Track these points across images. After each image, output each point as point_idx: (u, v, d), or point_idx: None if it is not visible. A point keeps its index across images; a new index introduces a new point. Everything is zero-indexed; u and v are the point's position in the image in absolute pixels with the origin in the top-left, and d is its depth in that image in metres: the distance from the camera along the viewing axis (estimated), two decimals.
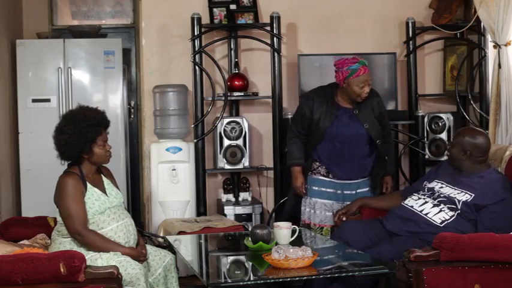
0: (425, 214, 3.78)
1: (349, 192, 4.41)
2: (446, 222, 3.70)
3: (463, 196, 3.73)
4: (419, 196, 3.91)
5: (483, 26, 5.24)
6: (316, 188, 4.44)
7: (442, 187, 3.85)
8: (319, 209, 4.42)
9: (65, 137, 3.49)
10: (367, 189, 4.45)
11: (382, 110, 4.48)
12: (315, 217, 4.42)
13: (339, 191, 4.40)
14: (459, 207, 3.70)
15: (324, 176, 4.43)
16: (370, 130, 4.36)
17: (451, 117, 5.57)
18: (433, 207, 3.78)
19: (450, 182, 3.85)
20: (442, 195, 3.80)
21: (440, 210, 3.75)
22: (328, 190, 4.41)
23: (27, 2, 6.35)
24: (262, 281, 3.08)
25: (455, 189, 3.79)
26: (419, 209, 3.82)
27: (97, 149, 3.55)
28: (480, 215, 3.67)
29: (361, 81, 4.27)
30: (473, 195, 3.71)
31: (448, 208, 3.73)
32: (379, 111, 4.44)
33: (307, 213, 4.47)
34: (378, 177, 4.47)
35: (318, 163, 4.45)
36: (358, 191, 4.42)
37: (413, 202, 3.89)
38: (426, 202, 3.83)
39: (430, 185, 3.92)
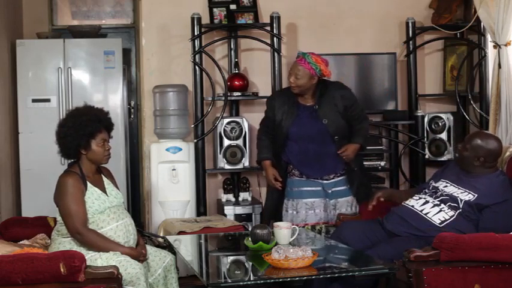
0: (425, 214, 3.77)
1: (328, 190, 4.41)
2: (445, 222, 3.70)
3: (466, 196, 3.73)
4: (421, 196, 3.91)
5: (483, 26, 5.24)
6: (296, 189, 4.43)
7: (446, 186, 3.85)
8: (301, 208, 4.41)
9: (65, 129, 3.52)
10: (344, 187, 4.44)
11: (347, 103, 4.37)
12: (297, 218, 4.39)
13: (319, 188, 4.40)
14: (461, 206, 3.70)
15: (298, 176, 4.43)
16: (329, 125, 4.32)
17: (451, 117, 5.57)
18: (433, 207, 3.78)
19: (455, 181, 3.85)
20: (444, 194, 3.80)
21: (440, 210, 3.75)
22: (307, 189, 4.41)
23: (27, 2, 6.35)
24: (262, 281, 3.08)
25: (459, 188, 3.79)
26: (420, 208, 3.82)
27: (95, 146, 3.55)
28: (482, 215, 3.67)
29: (291, 69, 4.33)
30: (476, 195, 3.71)
31: (449, 207, 3.73)
32: (344, 105, 4.36)
33: (290, 215, 4.43)
34: (353, 172, 4.45)
35: (290, 166, 4.44)
36: (333, 189, 4.41)
37: (414, 202, 3.89)
38: (427, 202, 3.83)
39: (435, 184, 3.93)
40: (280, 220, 4.37)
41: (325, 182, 4.41)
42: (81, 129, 3.51)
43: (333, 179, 4.42)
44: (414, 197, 3.93)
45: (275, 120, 4.41)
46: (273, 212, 4.53)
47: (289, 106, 4.37)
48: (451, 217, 3.71)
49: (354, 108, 4.41)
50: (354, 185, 4.45)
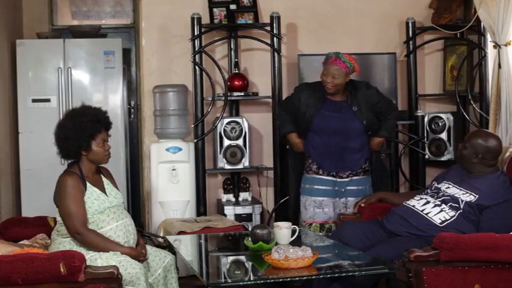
0: (426, 214, 3.78)
1: (339, 189, 4.46)
2: (446, 222, 3.71)
3: (467, 197, 3.73)
4: (422, 196, 3.91)
5: (483, 26, 5.24)
6: (308, 186, 4.51)
7: (448, 187, 3.86)
8: (309, 206, 4.49)
9: (65, 131, 3.51)
10: (357, 187, 4.47)
11: (375, 101, 4.53)
12: (305, 214, 4.47)
13: (329, 187, 4.46)
14: (461, 206, 3.70)
15: (315, 172, 4.49)
16: (363, 121, 4.45)
17: (451, 117, 5.57)
18: (434, 207, 3.79)
19: (457, 182, 3.85)
20: (446, 194, 3.81)
21: (441, 210, 3.75)
22: (319, 187, 4.46)
23: (27, 2, 6.35)
24: (262, 281, 3.08)
25: (460, 189, 3.80)
26: (421, 208, 3.82)
27: (95, 146, 3.55)
28: (483, 215, 3.67)
29: (325, 70, 4.41)
30: (477, 196, 3.71)
31: (450, 207, 3.73)
32: (372, 102, 4.51)
33: (304, 212, 4.53)
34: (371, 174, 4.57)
35: (309, 160, 4.52)
36: (347, 187, 4.47)
37: (415, 202, 3.89)
38: (428, 202, 3.83)
39: (438, 185, 3.93)
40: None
41: (339, 180, 4.46)
42: (81, 130, 3.50)
43: (347, 177, 4.46)
44: (415, 197, 3.94)
45: (299, 110, 4.51)
46: (294, 212, 4.64)
47: (315, 100, 4.47)
48: (451, 217, 3.72)
49: (380, 105, 4.54)
50: (370, 186, 4.53)
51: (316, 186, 4.48)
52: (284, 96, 5.47)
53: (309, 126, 4.47)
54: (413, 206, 3.87)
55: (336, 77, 4.39)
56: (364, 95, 4.49)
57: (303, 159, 4.60)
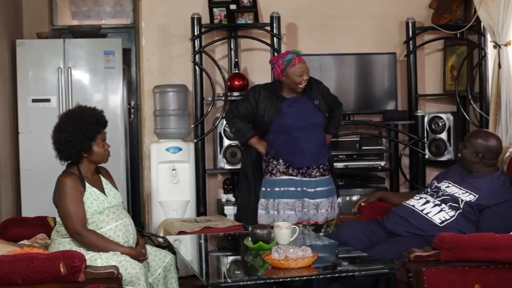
0: (426, 214, 3.78)
1: (308, 190, 4.40)
2: (446, 222, 3.71)
3: (467, 196, 3.73)
4: (421, 196, 3.91)
5: (483, 26, 5.24)
6: (278, 189, 4.41)
7: (448, 186, 3.86)
8: (282, 209, 4.40)
9: (65, 135, 3.49)
10: (325, 188, 4.43)
11: (325, 93, 4.54)
12: (278, 217, 4.37)
13: (299, 189, 4.40)
14: (461, 206, 3.70)
15: (283, 173, 4.40)
16: (322, 113, 4.45)
17: (451, 117, 5.57)
18: (433, 206, 3.79)
19: (457, 181, 3.85)
20: (445, 194, 3.81)
21: (441, 210, 3.75)
22: (290, 189, 4.40)
23: (27, 2, 6.35)
24: (262, 281, 3.08)
25: (460, 188, 3.79)
26: (420, 208, 3.82)
27: (96, 147, 3.55)
28: (482, 215, 3.67)
29: (298, 70, 4.32)
30: (477, 196, 3.71)
31: (450, 207, 3.73)
32: (325, 97, 4.51)
33: (272, 215, 4.40)
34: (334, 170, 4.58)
35: (274, 161, 4.42)
36: (317, 189, 4.41)
37: (415, 201, 3.89)
38: (428, 202, 3.83)
39: (438, 185, 3.93)
40: (255, 222, 4.35)
41: (307, 179, 4.40)
42: (82, 133, 3.49)
43: (315, 177, 4.41)
44: (415, 197, 3.93)
45: (257, 112, 4.42)
46: (249, 215, 4.51)
47: (273, 101, 4.41)
48: (451, 217, 3.72)
49: (330, 99, 4.56)
50: (335, 184, 4.53)
51: (287, 188, 4.39)
52: None
53: (269, 127, 4.39)
54: (413, 205, 3.87)
55: (308, 72, 4.37)
56: (318, 90, 4.49)
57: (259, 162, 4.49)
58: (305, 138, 4.38)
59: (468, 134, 4.01)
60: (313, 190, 4.40)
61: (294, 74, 4.32)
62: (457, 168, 3.99)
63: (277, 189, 4.42)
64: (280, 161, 4.40)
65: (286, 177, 4.40)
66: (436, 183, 3.96)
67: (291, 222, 4.24)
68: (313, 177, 4.41)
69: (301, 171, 4.40)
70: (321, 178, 4.43)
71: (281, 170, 4.41)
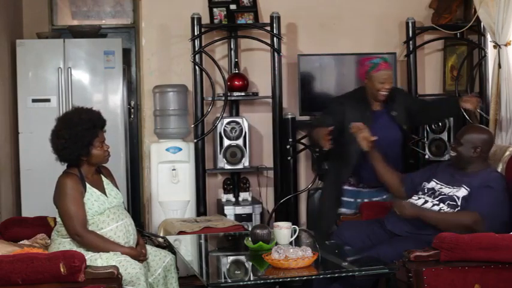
0: None
1: (364, 200, 4.35)
2: None
3: (461, 192, 3.73)
4: (420, 196, 3.91)
5: (483, 26, 5.24)
6: (352, 200, 4.36)
7: (441, 187, 3.85)
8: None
9: (62, 141, 3.48)
10: (379, 198, 4.37)
11: (411, 101, 4.45)
12: None
13: (358, 200, 4.35)
14: (459, 203, 3.70)
15: (351, 185, 4.35)
16: (405, 129, 4.33)
17: (451, 117, 5.57)
18: (432, 206, 3.79)
19: (448, 182, 3.84)
20: (442, 194, 3.80)
21: (440, 209, 3.75)
22: (358, 200, 4.36)
23: (27, 2, 6.35)
24: (262, 281, 3.08)
25: (453, 187, 3.79)
26: None
27: (95, 150, 3.54)
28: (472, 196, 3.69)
29: (382, 76, 4.19)
30: (469, 189, 3.71)
31: (448, 206, 3.73)
32: (409, 104, 4.36)
33: None
34: None
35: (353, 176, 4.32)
36: (373, 199, 4.36)
37: (414, 201, 3.89)
38: (426, 201, 3.83)
39: (430, 186, 3.92)
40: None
41: (368, 190, 4.34)
42: (78, 140, 3.48)
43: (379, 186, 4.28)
44: (413, 197, 3.93)
45: (343, 127, 4.16)
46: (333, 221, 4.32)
47: (362, 111, 4.23)
48: None
49: (415, 101, 4.52)
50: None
51: (358, 200, 4.34)
52: (284, 97, 5.49)
53: (352, 140, 4.08)
54: None
55: (391, 82, 4.24)
56: (399, 99, 4.31)
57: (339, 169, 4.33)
58: (389, 155, 4.16)
59: (459, 131, 3.93)
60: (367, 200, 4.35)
61: (377, 79, 4.18)
62: (446, 168, 3.96)
63: (351, 199, 4.36)
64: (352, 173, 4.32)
65: (352, 188, 4.35)
66: (427, 185, 3.93)
67: None
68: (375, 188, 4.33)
69: (370, 184, 4.31)
70: (377, 189, 4.33)
71: (350, 182, 4.36)
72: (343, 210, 4.36)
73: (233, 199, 5.47)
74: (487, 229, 3.46)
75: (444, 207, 3.75)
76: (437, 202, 3.79)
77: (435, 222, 3.66)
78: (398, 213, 3.74)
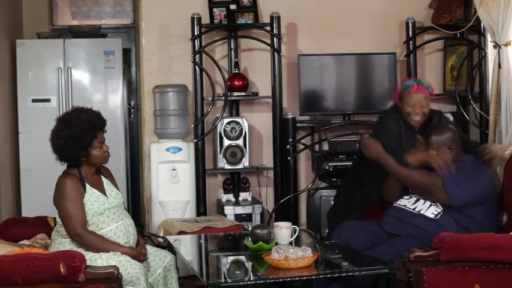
0: (419, 211, 3.81)
1: None
2: (439, 215, 3.73)
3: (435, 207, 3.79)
4: (411, 195, 3.92)
5: (483, 26, 5.24)
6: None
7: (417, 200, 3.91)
8: None
9: (61, 142, 3.48)
10: None
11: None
12: None
13: None
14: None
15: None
16: None
17: (451, 117, 5.55)
18: (424, 203, 3.81)
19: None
20: None
21: (431, 205, 3.78)
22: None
23: (27, 2, 6.36)
24: (262, 281, 3.08)
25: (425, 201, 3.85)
26: (412, 207, 3.85)
27: (94, 151, 3.54)
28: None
29: (411, 100, 3.99)
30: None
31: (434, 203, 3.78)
32: None
33: None
34: None
35: None
36: None
37: (406, 201, 3.90)
38: (418, 200, 3.85)
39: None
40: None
41: None
42: (78, 141, 3.47)
43: None
44: (405, 197, 3.93)
45: (396, 149, 3.94)
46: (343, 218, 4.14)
47: (407, 134, 4.03)
48: (442, 210, 3.74)
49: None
50: None
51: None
52: (284, 97, 5.50)
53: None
54: (405, 205, 3.88)
55: (424, 105, 3.97)
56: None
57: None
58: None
59: (426, 141, 3.81)
60: None
61: (406, 102, 4.00)
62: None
63: None
64: None
65: None
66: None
67: None
68: None
69: None
70: None
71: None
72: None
73: (233, 199, 5.47)
74: (455, 199, 3.64)
75: (433, 204, 3.77)
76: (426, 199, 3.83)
77: (393, 172, 3.80)
78: (364, 153, 3.91)
